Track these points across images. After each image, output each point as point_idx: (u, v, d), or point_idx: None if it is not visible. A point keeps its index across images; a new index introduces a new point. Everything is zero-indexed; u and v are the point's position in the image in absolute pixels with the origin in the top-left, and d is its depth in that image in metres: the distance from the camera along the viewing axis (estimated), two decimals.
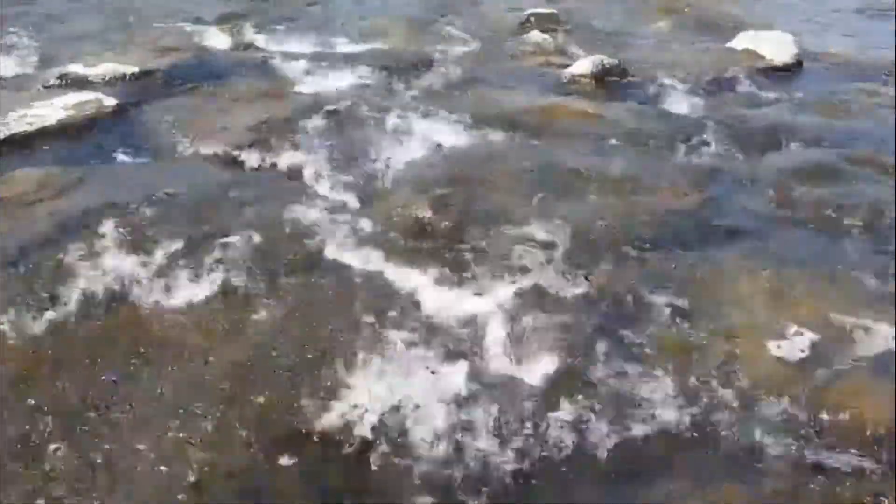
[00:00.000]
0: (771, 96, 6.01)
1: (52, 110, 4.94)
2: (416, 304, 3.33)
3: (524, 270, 3.53)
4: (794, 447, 2.72)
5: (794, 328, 3.23)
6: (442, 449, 2.66)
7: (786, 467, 2.66)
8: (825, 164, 4.70)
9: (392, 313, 3.24)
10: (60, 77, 5.58)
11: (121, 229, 3.62)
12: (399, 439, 2.69)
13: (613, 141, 4.90)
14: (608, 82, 6.07)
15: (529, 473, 2.62)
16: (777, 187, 4.41)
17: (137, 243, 3.55)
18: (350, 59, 6.26)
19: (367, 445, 2.67)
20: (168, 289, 3.32)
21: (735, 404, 2.90)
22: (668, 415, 2.83)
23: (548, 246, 3.69)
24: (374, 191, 4.25)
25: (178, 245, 3.56)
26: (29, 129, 4.73)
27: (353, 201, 4.14)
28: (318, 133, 4.78)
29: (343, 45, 6.85)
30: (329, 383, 2.89)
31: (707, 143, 4.96)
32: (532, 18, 7.72)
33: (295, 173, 4.44)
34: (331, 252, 3.62)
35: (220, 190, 4.12)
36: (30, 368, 2.93)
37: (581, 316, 3.29)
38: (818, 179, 4.48)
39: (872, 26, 8.28)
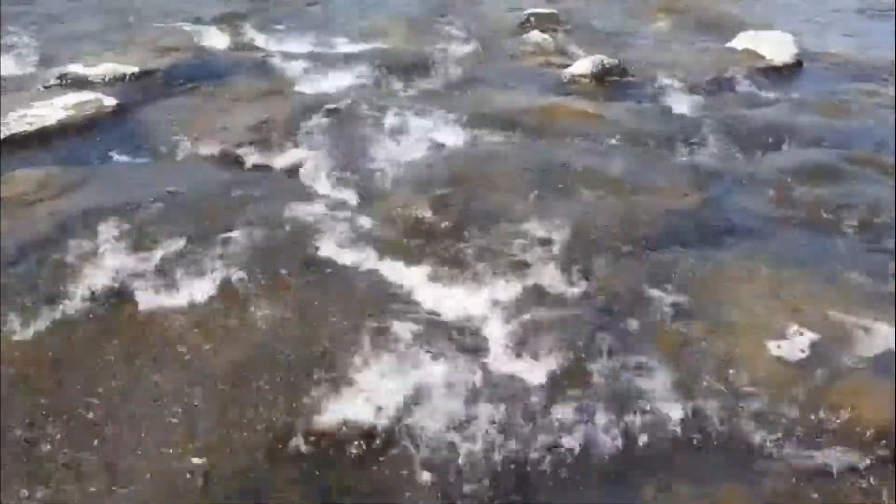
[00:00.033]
0: (771, 96, 6.02)
1: (52, 110, 4.95)
2: (416, 303, 3.33)
3: (524, 269, 3.53)
4: (793, 447, 2.72)
5: (794, 328, 3.23)
6: (442, 448, 2.66)
7: (786, 467, 2.66)
8: (825, 164, 4.70)
9: (392, 312, 3.24)
10: (60, 77, 5.59)
11: (121, 229, 3.62)
12: (399, 438, 2.69)
13: (613, 141, 4.90)
14: (608, 82, 6.07)
15: (529, 472, 2.62)
16: (777, 187, 4.41)
17: (137, 243, 3.55)
18: (350, 59, 6.26)
19: (367, 445, 2.67)
20: (168, 288, 3.32)
21: (735, 404, 2.90)
22: (668, 414, 2.83)
23: (547, 245, 3.69)
24: (374, 190, 4.25)
25: (178, 244, 3.56)
26: (29, 129, 4.74)
27: (353, 200, 4.14)
28: (318, 133, 4.78)
29: (343, 45, 6.85)
30: (329, 382, 2.89)
31: (707, 143, 4.96)
32: (532, 18, 7.73)
33: (295, 173, 4.44)
34: (331, 251, 3.62)
35: (221, 189, 4.12)
36: (30, 368, 2.93)
37: (581, 315, 3.29)
38: (818, 179, 4.49)
39: (872, 26, 8.28)
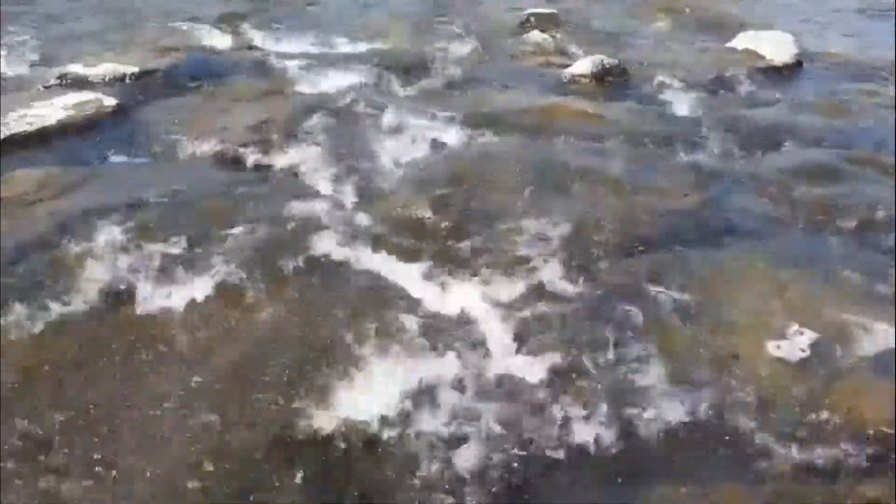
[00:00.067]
0: (771, 96, 6.02)
1: (52, 110, 4.95)
2: (417, 302, 3.33)
3: (524, 268, 3.53)
4: (793, 447, 2.72)
5: (794, 328, 3.23)
6: (443, 447, 2.66)
7: (786, 467, 2.66)
8: (825, 164, 4.71)
9: (392, 311, 3.24)
10: (60, 77, 5.59)
11: (121, 229, 3.62)
12: (400, 437, 2.69)
13: (613, 141, 4.90)
14: (608, 82, 6.08)
15: (529, 472, 2.62)
16: (777, 187, 4.41)
17: (137, 243, 3.55)
18: (350, 59, 6.26)
19: (367, 444, 2.67)
20: (168, 288, 3.32)
21: (735, 404, 2.90)
22: (668, 414, 2.83)
23: (547, 245, 3.69)
24: (374, 189, 4.25)
25: (178, 244, 3.56)
26: (29, 129, 4.74)
27: (352, 200, 4.14)
28: (318, 132, 4.78)
29: (343, 45, 6.85)
30: (330, 382, 2.89)
31: (707, 143, 4.96)
32: (532, 18, 7.74)
33: (295, 172, 4.44)
34: (331, 250, 3.62)
35: (221, 189, 4.12)
36: (30, 368, 2.93)
37: (581, 315, 3.29)
38: (818, 179, 4.49)
39: (872, 26, 8.29)
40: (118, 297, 3.27)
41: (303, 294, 3.34)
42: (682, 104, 5.72)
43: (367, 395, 2.83)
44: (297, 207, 3.92)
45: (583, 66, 6.19)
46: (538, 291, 3.42)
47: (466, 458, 2.62)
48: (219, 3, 8.09)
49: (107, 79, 5.57)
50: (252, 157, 4.59)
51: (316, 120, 4.88)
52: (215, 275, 3.39)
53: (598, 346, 3.11)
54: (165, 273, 3.39)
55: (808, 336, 3.19)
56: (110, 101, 5.11)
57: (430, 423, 2.73)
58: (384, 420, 2.73)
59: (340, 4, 8.32)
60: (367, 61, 6.15)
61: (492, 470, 2.60)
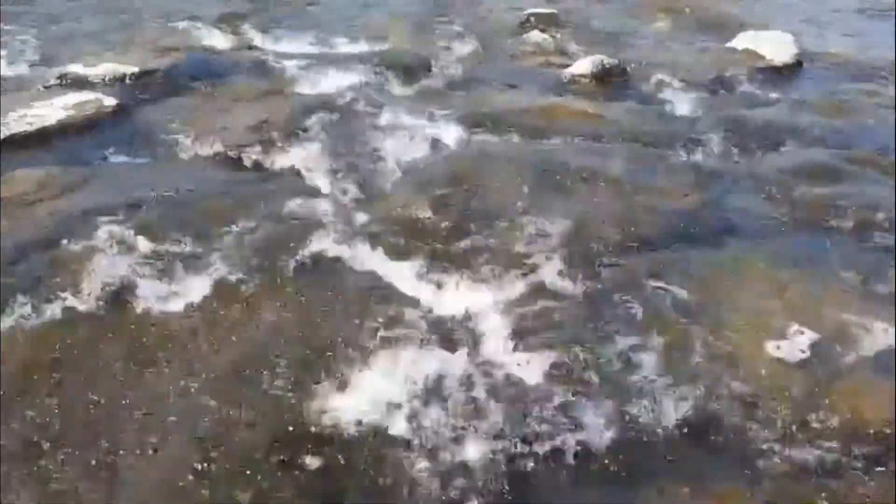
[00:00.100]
0: (771, 96, 6.02)
1: (52, 110, 4.95)
2: (417, 301, 3.33)
3: (524, 268, 3.53)
4: (793, 447, 2.72)
5: (794, 328, 3.23)
6: (443, 446, 2.66)
7: (786, 467, 2.66)
8: (825, 164, 4.71)
9: (392, 311, 3.24)
10: (60, 77, 5.58)
11: (121, 229, 3.62)
12: (400, 437, 2.69)
13: (613, 141, 4.90)
14: (608, 82, 6.08)
15: (529, 471, 2.62)
16: (777, 187, 4.41)
17: (137, 243, 3.54)
18: (350, 59, 6.26)
19: (367, 443, 2.67)
20: (168, 288, 3.32)
21: (735, 404, 2.90)
22: (668, 414, 2.84)
23: (548, 244, 3.69)
24: (374, 189, 4.25)
25: (178, 244, 3.56)
26: (29, 129, 4.74)
27: (353, 200, 4.14)
28: (318, 132, 4.77)
29: (343, 45, 6.85)
30: (330, 382, 2.89)
31: (707, 143, 4.96)
32: (532, 18, 7.74)
33: (295, 172, 4.44)
34: (331, 250, 3.61)
35: (221, 189, 4.12)
36: (30, 368, 2.93)
37: (581, 315, 3.29)
38: (818, 179, 4.49)
39: (872, 26, 8.29)
40: (118, 297, 3.27)
41: (303, 293, 3.34)
42: (682, 104, 5.72)
43: (368, 394, 2.83)
44: (298, 207, 3.92)
45: (583, 66, 6.19)
46: (538, 291, 3.42)
47: (466, 457, 2.63)
48: (219, 3, 8.09)
49: (107, 79, 5.57)
50: (252, 157, 4.59)
51: (316, 120, 4.87)
52: (215, 274, 3.39)
53: (598, 346, 3.11)
54: (165, 273, 3.39)
55: (808, 336, 3.19)
56: (110, 101, 5.11)
57: (431, 421, 2.73)
58: (384, 419, 2.74)
59: (340, 4, 8.32)
60: (367, 61, 6.14)
61: (491, 468, 2.60)
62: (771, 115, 5.57)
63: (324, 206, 3.96)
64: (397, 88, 5.81)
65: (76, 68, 5.67)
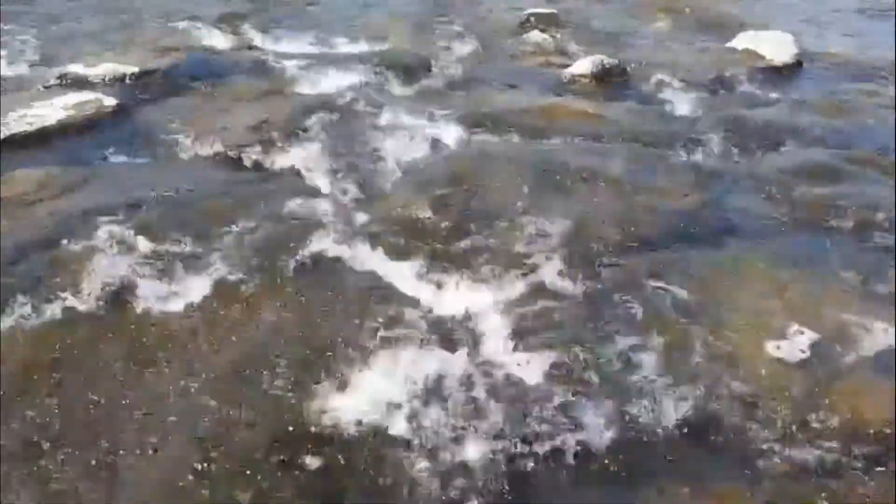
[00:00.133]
0: (771, 96, 6.02)
1: (52, 110, 4.95)
2: (417, 301, 3.33)
3: (524, 268, 3.53)
4: (794, 447, 2.72)
5: (794, 328, 3.23)
6: (442, 446, 2.66)
7: (786, 467, 2.66)
8: (825, 164, 4.71)
9: (392, 310, 3.24)
10: (60, 77, 5.58)
11: (121, 229, 3.62)
12: (400, 436, 2.69)
13: (613, 141, 4.90)
14: (608, 82, 6.08)
15: (529, 471, 2.62)
16: (777, 187, 4.41)
17: (137, 243, 3.54)
18: (350, 59, 6.26)
19: (367, 443, 2.67)
20: (168, 288, 3.32)
21: (735, 404, 2.90)
22: (668, 414, 2.84)
23: (548, 244, 3.69)
24: (374, 189, 4.25)
25: (178, 244, 3.56)
26: (29, 129, 4.73)
27: (353, 200, 4.14)
28: (318, 132, 4.77)
29: (343, 45, 6.85)
30: (330, 382, 2.89)
31: (707, 143, 4.96)
32: (532, 18, 7.74)
33: (295, 172, 4.44)
34: (331, 250, 3.62)
35: (221, 189, 4.12)
36: (30, 368, 2.93)
37: (581, 315, 3.29)
38: (818, 179, 4.49)
39: (872, 26, 8.29)
40: (118, 297, 3.27)
41: (303, 293, 3.34)
42: (682, 104, 5.72)
43: (368, 394, 2.83)
44: (298, 207, 3.92)
45: (583, 66, 6.19)
46: (538, 291, 3.42)
47: (466, 457, 2.63)
48: (219, 3, 8.09)
49: (107, 79, 5.56)
50: (252, 157, 4.59)
51: (316, 120, 4.87)
52: (215, 274, 3.39)
53: (598, 346, 3.11)
54: (165, 273, 3.39)
55: (808, 336, 3.19)
56: (110, 101, 5.10)
57: (431, 421, 2.73)
58: (384, 419, 2.74)
59: (340, 4, 8.32)
60: (367, 61, 6.14)
61: (491, 468, 2.60)
62: (771, 115, 5.57)
63: (324, 206, 3.97)
64: (397, 88, 5.81)
65: (76, 68, 5.67)
